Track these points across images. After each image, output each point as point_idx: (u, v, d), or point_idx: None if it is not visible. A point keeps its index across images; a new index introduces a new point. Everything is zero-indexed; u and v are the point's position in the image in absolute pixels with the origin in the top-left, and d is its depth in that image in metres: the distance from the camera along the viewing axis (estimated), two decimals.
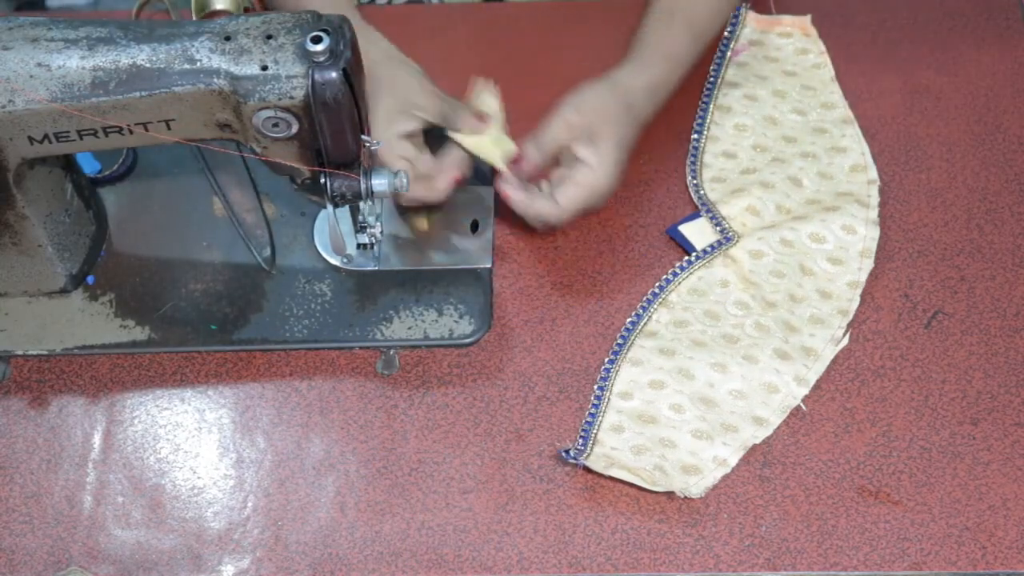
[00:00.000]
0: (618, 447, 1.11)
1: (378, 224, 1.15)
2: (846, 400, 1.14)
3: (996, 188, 1.26)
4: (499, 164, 1.19)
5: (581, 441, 1.11)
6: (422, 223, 1.23)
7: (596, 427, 1.12)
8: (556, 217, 1.18)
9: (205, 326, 1.19)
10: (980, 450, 1.11)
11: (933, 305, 1.19)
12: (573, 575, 1.06)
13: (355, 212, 1.15)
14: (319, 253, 1.23)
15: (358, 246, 1.20)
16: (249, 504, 1.10)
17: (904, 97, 1.32)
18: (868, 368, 1.15)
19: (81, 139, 1.05)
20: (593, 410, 1.13)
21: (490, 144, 1.19)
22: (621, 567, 1.06)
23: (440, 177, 1.18)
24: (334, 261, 1.22)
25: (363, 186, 1.09)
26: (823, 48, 1.34)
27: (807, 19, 1.35)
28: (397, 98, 1.17)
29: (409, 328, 1.18)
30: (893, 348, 1.17)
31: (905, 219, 1.24)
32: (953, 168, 1.27)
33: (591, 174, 1.17)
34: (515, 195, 1.18)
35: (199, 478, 1.12)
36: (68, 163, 1.17)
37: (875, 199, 1.24)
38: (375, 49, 1.20)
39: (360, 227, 1.15)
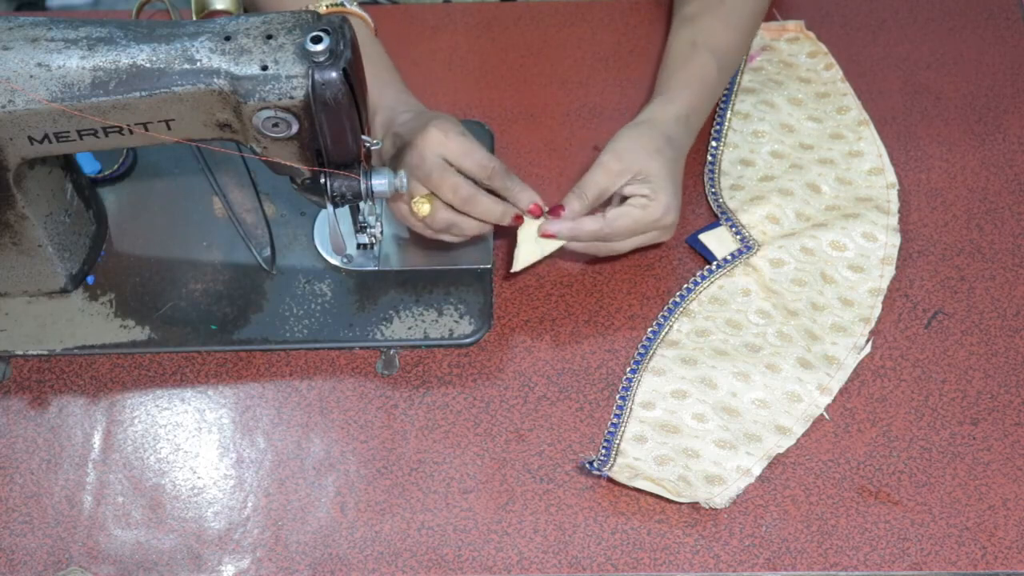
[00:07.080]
0: (641, 457, 1.10)
1: (378, 224, 1.15)
2: (846, 400, 1.14)
3: (996, 188, 1.26)
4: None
5: (604, 452, 1.10)
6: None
7: (619, 437, 1.11)
8: (604, 229, 1.13)
9: (205, 326, 1.19)
10: (980, 450, 1.11)
11: (933, 305, 1.19)
12: (573, 575, 1.06)
13: (355, 212, 1.15)
14: (319, 253, 1.23)
15: (358, 246, 1.20)
16: (249, 504, 1.10)
17: (904, 97, 1.32)
18: (868, 368, 1.15)
19: (81, 139, 1.05)
20: (615, 420, 1.12)
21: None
22: (621, 567, 1.06)
23: (469, 222, 1.14)
24: (334, 261, 1.22)
25: (363, 186, 1.09)
26: (826, 49, 1.34)
27: (802, 23, 1.35)
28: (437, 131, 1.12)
29: (409, 328, 1.18)
30: (893, 348, 1.16)
31: (905, 219, 1.24)
32: (953, 168, 1.27)
33: (646, 203, 1.13)
34: (561, 226, 1.13)
35: (199, 478, 1.12)
36: (68, 163, 1.17)
37: (895, 204, 1.23)
38: (405, 110, 1.17)
39: (360, 227, 1.15)
